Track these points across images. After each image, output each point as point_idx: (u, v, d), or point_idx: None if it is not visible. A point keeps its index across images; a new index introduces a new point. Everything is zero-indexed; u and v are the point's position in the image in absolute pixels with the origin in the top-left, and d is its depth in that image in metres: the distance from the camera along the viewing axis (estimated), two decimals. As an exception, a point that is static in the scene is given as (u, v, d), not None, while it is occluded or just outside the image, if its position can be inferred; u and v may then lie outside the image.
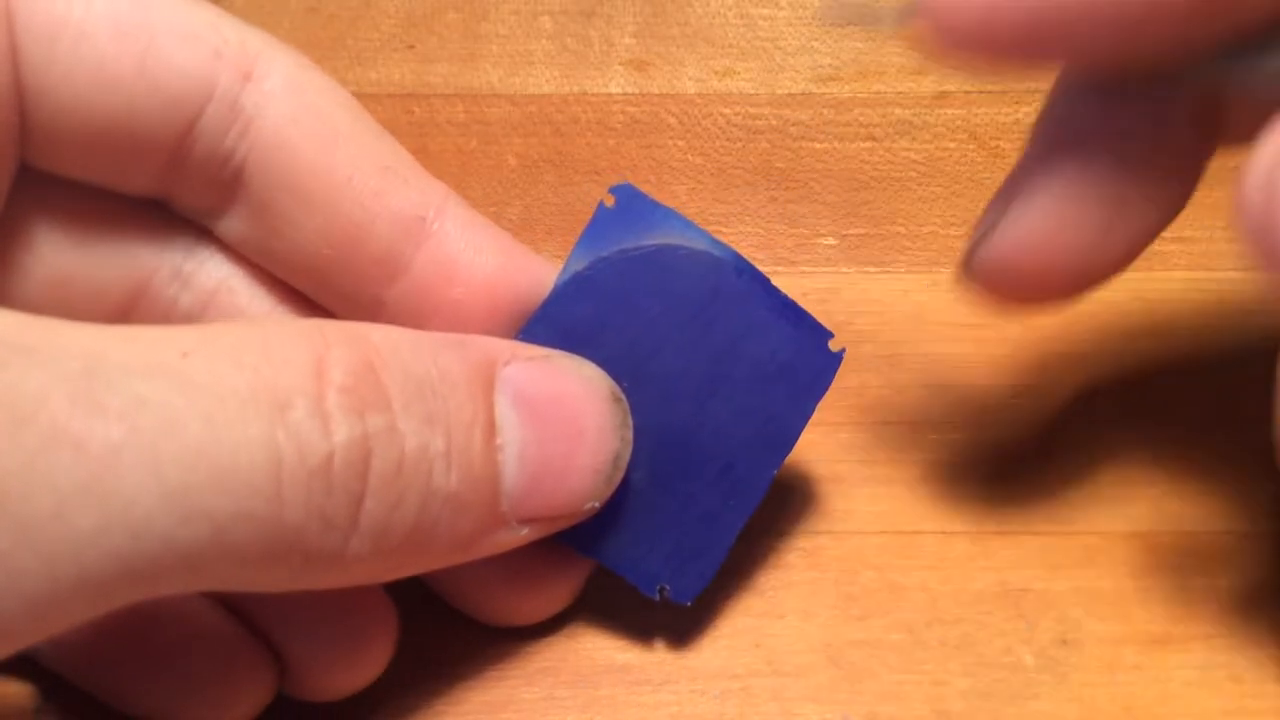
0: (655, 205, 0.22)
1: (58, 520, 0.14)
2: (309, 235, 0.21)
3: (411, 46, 0.32)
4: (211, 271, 0.22)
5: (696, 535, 0.21)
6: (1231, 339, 0.27)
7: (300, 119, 0.20)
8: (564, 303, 0.21)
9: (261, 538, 0.16)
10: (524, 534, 0.20)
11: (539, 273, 0.21)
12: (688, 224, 0.22)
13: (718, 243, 0.22)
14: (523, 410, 0.19)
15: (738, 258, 0.22)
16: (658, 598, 0.21)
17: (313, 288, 0.22)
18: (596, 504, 0.20)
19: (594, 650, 0.22)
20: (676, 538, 0.21)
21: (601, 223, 0.22)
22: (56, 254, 0.21)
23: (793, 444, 0.22)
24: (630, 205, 0.22)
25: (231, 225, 0.21)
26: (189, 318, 0.22)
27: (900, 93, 0.30)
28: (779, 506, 0.24)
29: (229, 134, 0.20)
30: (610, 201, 0.22)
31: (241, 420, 0.16)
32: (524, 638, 0.22)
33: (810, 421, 0.26)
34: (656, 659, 0.22)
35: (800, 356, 0.22)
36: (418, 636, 0.22)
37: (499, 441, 0.19)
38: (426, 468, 0.18)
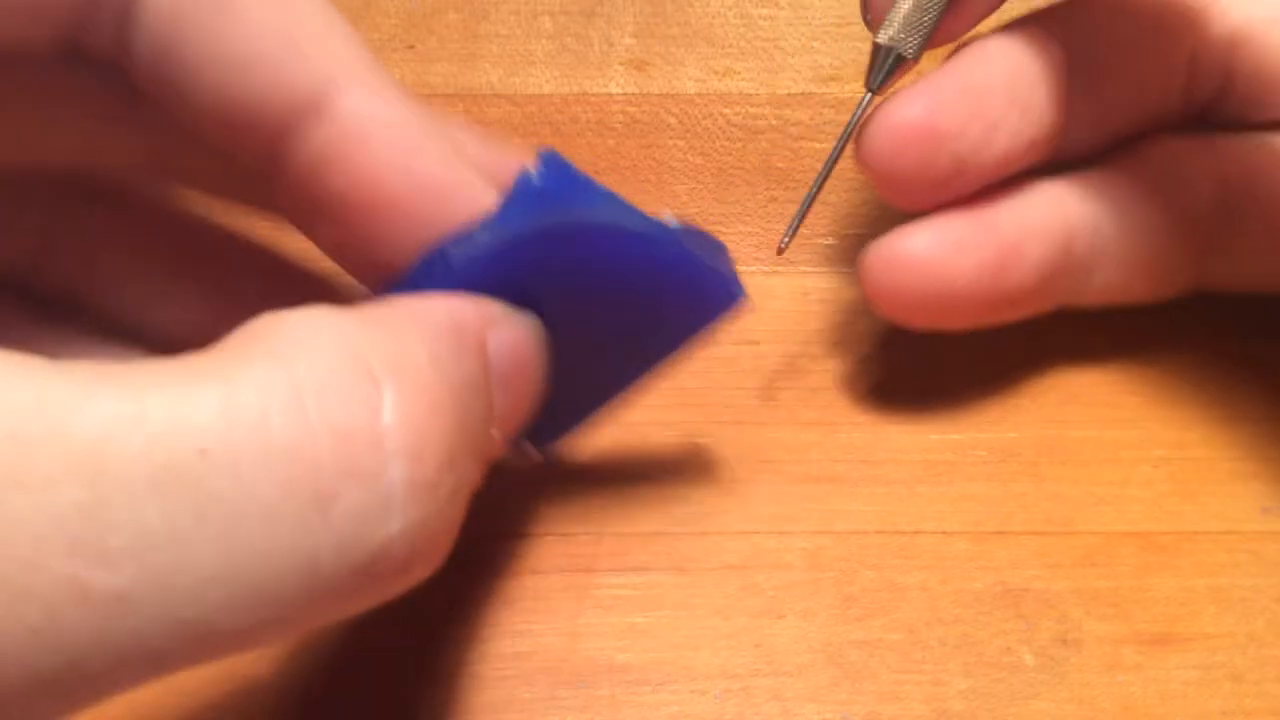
0: (576, 176, 0.21)
1: (70, 671, 0.13)
2: (202, 116, 0.18)
3: (411, 46, 0.32)
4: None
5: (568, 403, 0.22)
6: (1232, 339, 0.27)
7: None
8: (475, 276, 0.20)
9: (299, 595, 0.14)
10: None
11: (430, 164, 0.19)
12: (605, 195, 0.21)
13: (632, 212, 0.21)
14: (500, 373, 0.18)
15: (647, 228, 0.21)
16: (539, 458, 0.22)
17: (208, 171, 0.20)
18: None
19: (594, 650, 0.22)
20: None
21: (521, 194, 0.20)
22: None
23: (674, 352, 0.22)
24: (551, 173, 0.20)
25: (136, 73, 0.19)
26: None
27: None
28: (779, 506, 0.24)
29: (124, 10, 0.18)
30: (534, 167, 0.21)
31: (268, 535, 0.13)
32: (524, 638, 0.22)
33: (810, 421, 0.26)
34: (656, 659, 0.22)
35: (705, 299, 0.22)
36: (418, 638, 0.22)
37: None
38: (448, 493, 0.15)
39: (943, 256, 0.23)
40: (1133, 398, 0.26)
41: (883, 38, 0.23)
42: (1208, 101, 0.26)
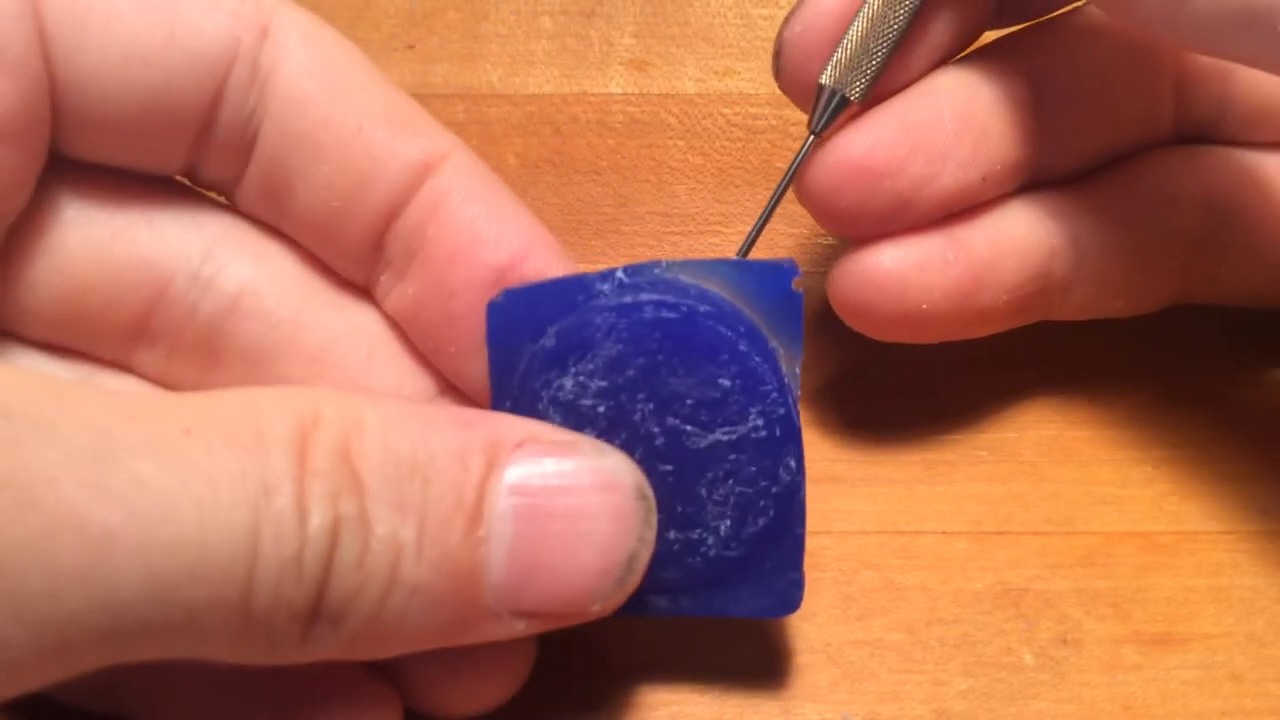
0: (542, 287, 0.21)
1: (50, 599, 0.14)
2: (318, 187, 0.21)
3: (411, 46, 0.32)
4: (232, 275, 0.22)
5: (771, 557, 0.20)
6: (1231, 340, 0.27)
7: (314, 71, 0.21)
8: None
9: (230, 623, 0.16)
10: (520, 628, 0.18)
11: (519, 228, 0.21)
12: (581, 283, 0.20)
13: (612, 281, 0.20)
14: (522, 501, 0.18)
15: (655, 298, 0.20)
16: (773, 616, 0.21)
17: (319, 244, 0.22)
18: (602, 607, 0.19)
19: (594, 650, 0.22)
20: (755, 569, 0.20)
21: (499, 332, 0.20)
22: (72, 263, 0.21)
23: (797, 429, 0.20)
24: (522, 301, 0.20)
25: (247, 188, 0.21)
26: (210, 326, 0.22)
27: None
28: (779, 506, 0.24)
29: (250, 93, 0.20)
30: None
31: (229, 506, 0.16)
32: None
33: (810, 421, 0.26)
34: (657, 659, 0.22)
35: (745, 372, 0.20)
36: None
37: (482, 533, 0.18)
38: (392, 557, 0.17)
39: (911, 274, 0.23)
40: (1133, 398, 0.26)
41: (827, 79, 0.22)
42: (1204, 124, 0.25)
